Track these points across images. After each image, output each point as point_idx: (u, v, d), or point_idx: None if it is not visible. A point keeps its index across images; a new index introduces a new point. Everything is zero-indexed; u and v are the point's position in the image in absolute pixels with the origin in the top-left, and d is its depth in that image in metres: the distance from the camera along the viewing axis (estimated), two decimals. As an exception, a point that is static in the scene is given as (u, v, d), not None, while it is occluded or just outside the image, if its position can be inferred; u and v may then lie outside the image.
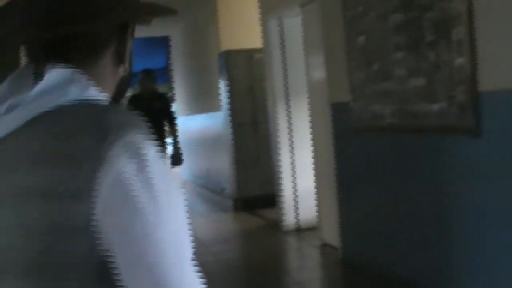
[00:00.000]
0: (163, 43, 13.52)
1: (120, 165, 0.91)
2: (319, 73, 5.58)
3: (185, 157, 8.37)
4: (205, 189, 10.03)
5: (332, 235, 5.51)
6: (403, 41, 4.00)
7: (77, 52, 1.02)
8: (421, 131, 3.92)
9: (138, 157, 0.92)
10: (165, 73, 13.94)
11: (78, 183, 0.89)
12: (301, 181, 6.60)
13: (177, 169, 8.79)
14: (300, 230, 6.60)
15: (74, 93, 0.97)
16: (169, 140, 8.03)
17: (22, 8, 1.00)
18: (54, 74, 0.97)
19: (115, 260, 0.91)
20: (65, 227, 0.90)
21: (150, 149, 0.94)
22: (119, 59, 1.07)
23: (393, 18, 4.10)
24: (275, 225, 6.86)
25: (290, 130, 6.67)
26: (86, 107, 0.96)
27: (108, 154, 0.90)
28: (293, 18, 6.47)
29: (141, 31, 12.22)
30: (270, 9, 6.72)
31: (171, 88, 14.26)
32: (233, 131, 8.34)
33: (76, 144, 0.91)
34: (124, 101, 7.34)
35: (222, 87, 8.70)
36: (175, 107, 10.81)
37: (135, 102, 7.51)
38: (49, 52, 1.00)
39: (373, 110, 4.46)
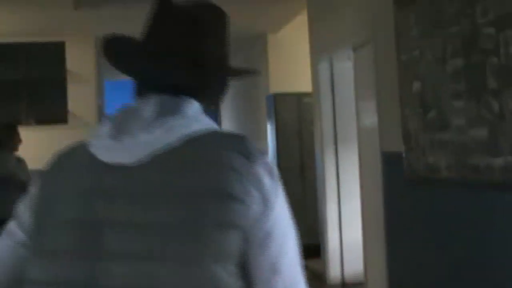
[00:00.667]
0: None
1: (264, 180, 1.17)
2: (370, 120, 5.29)
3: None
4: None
5: (379, 292, 5.15)
6: (463, 88, 3.69)
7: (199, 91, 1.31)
8: (480, 187, 3.59)
9: (272, 175, 1.20)
10: (214, 113, 13.82)
11: (238, 188, 1.14)
12: (347, 232, 6.27)
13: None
14: (345, 285, 6.24)
15: (205, 121, 1.24)
16: None
17: (165, 55, 1.29)
18: (193, 107, 1.25)
19: (254, 257, 1.16)
20: (230, 223, 1.13)
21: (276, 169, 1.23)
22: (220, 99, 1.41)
23: (452, 63, 3.80)
24: (319, 278, 6.52)
25: (337, 177, 6.37)
26: (221, 132, 1.25)
27: (255, 170, 1.17)
28: (344, 62, 6.22)
29: None
30: (322, 51, 6.50)
31: (219, 130, 14.08)
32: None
33: (233, 159, 1.16)
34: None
35: (269, 130, 8.48)
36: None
37: None
38: (182, 89, 1.28)
39: (428, 162, 4.14)
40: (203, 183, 1.14)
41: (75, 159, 1.27)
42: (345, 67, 6.24)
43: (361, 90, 5.66)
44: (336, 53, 6.20)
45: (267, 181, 1.19)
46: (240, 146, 1.20)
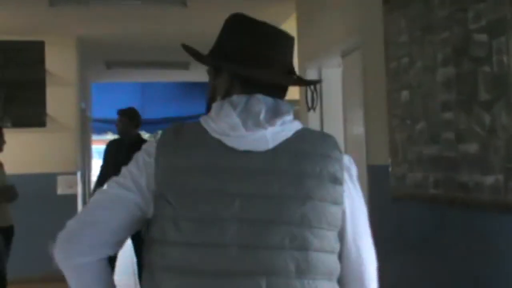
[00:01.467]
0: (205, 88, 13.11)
1: (350, 166, 1.63)
2: (358, 130, 5.00)
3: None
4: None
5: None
6: (453, 99, 3.40)
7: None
8: (469, 206, 3.29)
9: (352, 168, 1.65)
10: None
11: (340, 174, 1.57)
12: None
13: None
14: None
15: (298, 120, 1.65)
16: None
17: (279, 59, 1.65)
18: (289, 106, 1.63)
19: (346, 227, 1.62)
20: (335, 200, 1.55)
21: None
22: None
23: (442, 71, 3.51)
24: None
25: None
26: (313, 130, 1.71)
27: (345, 162, 1.61)
28: (333, 68, 5.93)
29: (187, 76, 11.69)
30: (310, 57, 6.20)
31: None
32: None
33: (332, 152, 1.59)
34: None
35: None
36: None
37: (114, 149, 6.25)
38: (278, 91, 1.65)
39: (415, 177, 3.84)
40: (316, 168, 1.53)
41: (199, 141, 1.54)
42: (334, 74, 5.95)
43: (349, 98, 5.37)
44: (325, 59, 5.91)
45: (351, 167, 1.64)
46: (333, 142, 1.62)
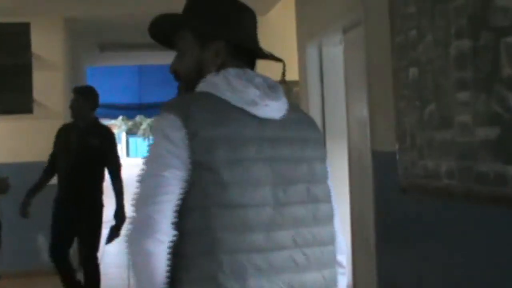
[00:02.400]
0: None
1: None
2: (361, 113, 4.57)
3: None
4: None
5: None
6: (470, 77, 2.95)
7: None
8: (489, 200, 2.85)
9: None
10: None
11: (325, 150, 1.83)
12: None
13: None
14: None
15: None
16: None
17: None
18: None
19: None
20: (325, 175, 1.78)
21: None
22: None
23: (456, 45, 3.06)
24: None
25: (325, 178, 5.64)
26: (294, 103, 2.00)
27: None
28: (334, 46, 5.49)
29: (162, 58, 11.29)
30: (310, 34, 5.76)
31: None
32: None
33: (317, 127, 1.86)
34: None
35: (256, 122, 7.75)
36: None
37: (66, 134, 5.46)
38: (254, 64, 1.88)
39: (426, 166, 3.41)
40: (312, 134, 1.79)
41: (226, 111, 1.66)
42: (335, 52, 5.51)
43: (352, 78, 4.93)
44: (325, 36, 5.46)
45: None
46: (314, 121, 1.87)
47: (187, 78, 1.81)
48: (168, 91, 12.89)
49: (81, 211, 5.29)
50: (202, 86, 1.74)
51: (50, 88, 7.44)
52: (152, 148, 1.66)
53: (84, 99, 5.50)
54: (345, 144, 5.13)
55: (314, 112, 5.73)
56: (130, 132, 51.68)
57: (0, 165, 6.02)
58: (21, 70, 7.35)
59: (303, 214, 1.69)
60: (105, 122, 17.37)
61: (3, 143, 7.01)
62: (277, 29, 7.59)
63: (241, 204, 1.60)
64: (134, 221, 1.60)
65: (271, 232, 1.63)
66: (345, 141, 5.13)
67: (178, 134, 1.61)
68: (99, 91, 12.38)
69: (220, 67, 1.75)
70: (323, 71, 5.72)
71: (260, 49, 1.83)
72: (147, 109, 13.11)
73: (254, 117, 1.68)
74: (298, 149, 1.73)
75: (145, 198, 1.61)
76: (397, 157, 3.77)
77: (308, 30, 5.77)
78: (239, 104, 1.67)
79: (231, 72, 1.72)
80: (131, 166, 41.08)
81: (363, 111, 4.49)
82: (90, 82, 11.75)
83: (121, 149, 59.20)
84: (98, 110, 13.13)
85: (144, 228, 1.58)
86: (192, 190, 1.60)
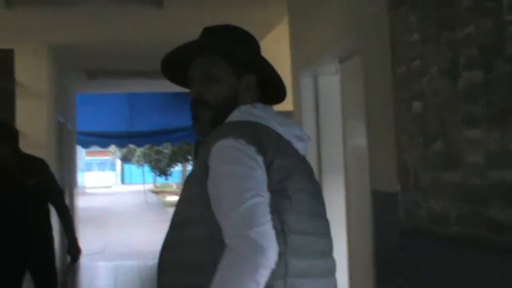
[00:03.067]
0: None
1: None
2: (359, 148, 4.25)
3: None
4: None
5: None
6: (481, 112, 2.65)
7: None
8: (502, 250, 2.53)
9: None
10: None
11: None
12: (332, 281, 5.18)
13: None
14: None
15: None
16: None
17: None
18: None
19: None
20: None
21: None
22: None
23: (466, 77, 2.76)
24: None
25: (320, 216, 5.30)
26: None
27: None
28: (330, 75, 5.19)
29: (169, 86, 11.07)
30: (304, 64, 5.46)
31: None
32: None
33: None
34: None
35: (248, 154, 7.42)
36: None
37: None
38: None
39: (432, 210, 3.08)
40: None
41: (285, 143, 1.81)
42: (331, 82, 5.21)
43: (349, 110, 4.63)
44: (321, 65, 5.16)
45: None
46: None
47: (219, 106, 1.82)
48: (159, 119, 12.60)
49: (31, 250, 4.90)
50: (242, 117, 1.78)
51: (34, 117, 7.12)
52: (232, 172, 1.66)
53: (6, 136, 4.85)
54: (342, 179, 4.81)
55: (309, 144, 5.42)
56: (125, 159, 51.26)
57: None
58: (3, 98, 7.04)
59: (331, 245, 1.87)
60: (97, 149, 16.99)
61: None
62: (271, 57, 7.29)
63: (309, 231, 1.74)
64: (253, 238, 1.57)
65: (326, 258, 1.82)
66: (342, 176, 4.81)
67: (257, 159, 1.67)
68: (88, 118, 12.13)
69: (253, 99, 1.85)
70: (319, 101, 5.42)
71: (283, 85, 1.97)
72: (138, 137, 12.82)
73: (297, 150, 1.85)
74: (316, 184, 1.88)
75: (252, 214, 1.61)
76: (399, 198, 3.44)
77: (303, 58, 5.49)
78: (288, 137, 1.81)
79: (262, 106, 1.85)
80: (127, 193, 40.90)
81: (361, 146, 4.18)
82: (79, 109, 11.47)
83: (116, 176, 58.83)
84: (89, 138, 12.88)
85: (266, 243, 1.59)
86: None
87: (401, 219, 3.41)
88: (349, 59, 4.51)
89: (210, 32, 1.95)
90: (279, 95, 1.99)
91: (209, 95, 1.83)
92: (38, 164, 5.07)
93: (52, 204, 5.06)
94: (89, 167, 55.91)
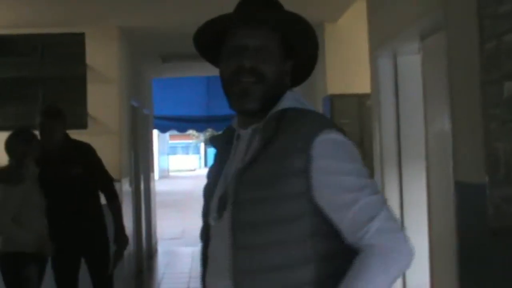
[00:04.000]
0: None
1: None
2: (442, 133, 3.84)
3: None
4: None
5: None
6: None
7: None
8: None
9: None
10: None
11: None
12: (414, 278, 4.79)
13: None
14: None
15: None
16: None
17: None
18: None
19: None
20: None
21: None
22: None
23: None
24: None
25: (401, 208, 4.91)
26: None
27: None
28: (411, 55, 4.78)
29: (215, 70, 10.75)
30: (382, 42, 5.06)
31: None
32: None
33: None
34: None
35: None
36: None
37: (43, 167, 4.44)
38: None
39: (527, 207, 2.68)
40: None
41: None
42: (412, 61, 4.80)
43: (431, 92, 4.22)
44: (400, 44, 4.76)
45: None
46: None
47: (272, 84, 1.68)
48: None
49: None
50: (297, 104, 1.68)
51: (105, 101, 6.98)
52: (358, 167, 1.61)
53: (54, 118, 4.68)
54: (423, 168, 4.41)
55: (388, 129, 5.03)
56: (208, 143, 51.76)
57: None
58: (75, 83, 6.93)
59: None
60: (176, 133, 16.89)
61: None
62: (348, 38, 6.91)
63: None
64: (402, 244, 1.56)
65: None
66: (423, 165, 4.41)
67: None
68: (165, 102, 12.05)
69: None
70: (398, 83, 5.01)
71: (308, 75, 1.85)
72: (216, 122, 12.64)
73: None
74: None
75: (395, 221, 1.60)
76: (488, 191, 3.03)
77: (381, 36, 5.08)
78: None
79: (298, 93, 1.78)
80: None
81: (445, 131, 3.78)
82: (155, 93, 11.38)
83: (199, 159, 59.57)
84: (166, 123, 12.86)
85: (404, 237, 1.57)
86: None
87: (488, 215, 3.01)
88: (431, 36, 4.10)
89: (272, 4, 1.77)
90: (296, 82, 1.83)
91: (266, 68, 1.67)
92: (83, 150, 4.86)
93: (101, 191, 4.87)
94: (173, 151, 56.79)
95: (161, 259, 10.15)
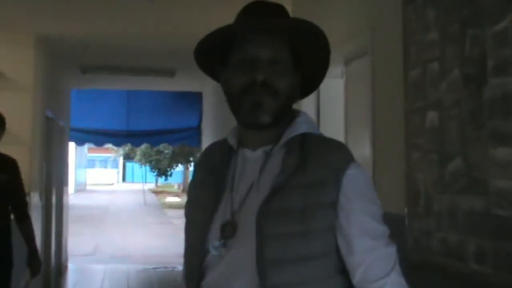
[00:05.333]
0: (196, 99, 11.91)
1: None
2: (363, 161, 3.76)
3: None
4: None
5: None
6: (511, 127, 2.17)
7: None
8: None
9: None
10: (196, 133, 12.27)
11: None
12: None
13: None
14: None
15: None
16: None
17: None
18: None
19: None
20: None
21: None
22: None
23: (495, 83, 2.27)
24: None
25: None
26: None
27: None
28: (334, 79, 4.71)
29: (173, 85, 10.36)
30: (306, 65, 4.97)
31: (200, 151, 12.59)
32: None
33: None
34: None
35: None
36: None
37: None
38: None
39: (447, 241, 2.60)
40: None
41: None
42: (335, 85, 4.73)
43: (353, 118, 4.15)
44: (324, 67, 4.68)
45: None
46: None
47: (285, 99, 1.56)
48: (158, 119, 12.06)
49: None
50: (314, 128, 1.63)
51: (17, 112, 6.63)
52: (380, 210, 1.57)
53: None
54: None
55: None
56: (127, 157, 50.93)
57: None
58: (-15, 90, 6.56)
59: None
60: (94, 147, 16.46)
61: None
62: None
63: None
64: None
65: None
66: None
67: None
68: (84, 115, 11.65)
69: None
70: (320, 107, 4.93)
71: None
72: (135, 136, 12.35)
73: None
74: None
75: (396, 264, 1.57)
76: (407, 223, 2.96)
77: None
78: None
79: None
80: (127, 191, 40.52)
81: (365, 159, 3.70)
82: (74, 105, 11.01)
83: (118, 173, 58.55)
84: (83, 135, 12.42)
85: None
86: None
87: (409, 250, 2.92)
88: (355, 60, 4.04)
89: (282, 12, 1.64)
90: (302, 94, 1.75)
91: (280, 82, 1.55)
92: (9, 163, 4.62)
93: (13, 211, 4.58)
94: (91, 164, 55.66)
95: (71, 277, 9.75)
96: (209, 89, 10.45)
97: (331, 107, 4.76)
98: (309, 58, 1.65)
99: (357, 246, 1.51)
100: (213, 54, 1.65)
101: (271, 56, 1.56)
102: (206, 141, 10.96)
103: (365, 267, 1.50)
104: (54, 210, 8.76)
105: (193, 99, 11.93)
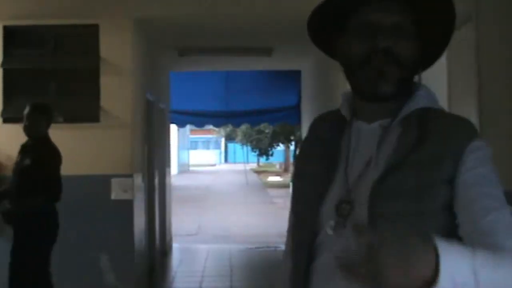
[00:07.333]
0: (294, 78, 11.86)
1: None
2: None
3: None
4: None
5: None
6: None
7: None
8: None
9: None
10: (296, 112, 12.20)
11: None
12: None
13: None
14: None
15: None
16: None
17: None
18: None
19: None
20: None
21: None
22: None
23: None
24: None
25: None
26: None
27: None
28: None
29: (271, 64, 10.34)
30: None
31: (300, 130, 12.56)
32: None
33: None
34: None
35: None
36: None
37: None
38: None
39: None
40: None
41: None
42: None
43: (457, 94, 3.97)
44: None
45: None
46: None
47: (408, 69, 1.46)
48: (256, 99, 12.11)
49: None
50: (436, 104, 1.51)
51: (118, 95, 6.80)
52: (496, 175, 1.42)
53: (40, 114, 5.31)
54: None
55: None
56: (229, 138, 51.74)
57: (63, 177, 5.39)
58: (88, 75, 6.75)
59: None
60: (197, 128, 16.70)
61: (67, 154, 6.41)
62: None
63: None
64: None
65: None
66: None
67: None
68: (184, 97, 11.89)
69: None
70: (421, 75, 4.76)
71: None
72: (234, 117, 12.46)
73: None
74: None
75: None
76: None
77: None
78: None
79: None
80: (229, 172, 41.12)
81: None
82: (173, 87, 11.20)
83: (220, 154, 59.56)
84: (184, 117, 12.69)
85: None
86: None
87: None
88: (457, 29, 3.85)
89: None
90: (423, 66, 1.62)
91: (404, 51, 1.45)
92: (43, 152, 5.29)
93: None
94: (194, 145, 56.85)
95: (175, 257, 9.98)
96: (309, 67, 10.35)
97: (433, 84, 4.58)
98: (432, 23, 1.51)
99: (475, 207, 1.36)
100: (328, 23, 1.55)
101: (395, 21, 1.45)
102: (306, 120, 10.90)
103: (484, 223, 1.34)
104: (157, 191, 8.96)
105: (291, 78, 11.88)
